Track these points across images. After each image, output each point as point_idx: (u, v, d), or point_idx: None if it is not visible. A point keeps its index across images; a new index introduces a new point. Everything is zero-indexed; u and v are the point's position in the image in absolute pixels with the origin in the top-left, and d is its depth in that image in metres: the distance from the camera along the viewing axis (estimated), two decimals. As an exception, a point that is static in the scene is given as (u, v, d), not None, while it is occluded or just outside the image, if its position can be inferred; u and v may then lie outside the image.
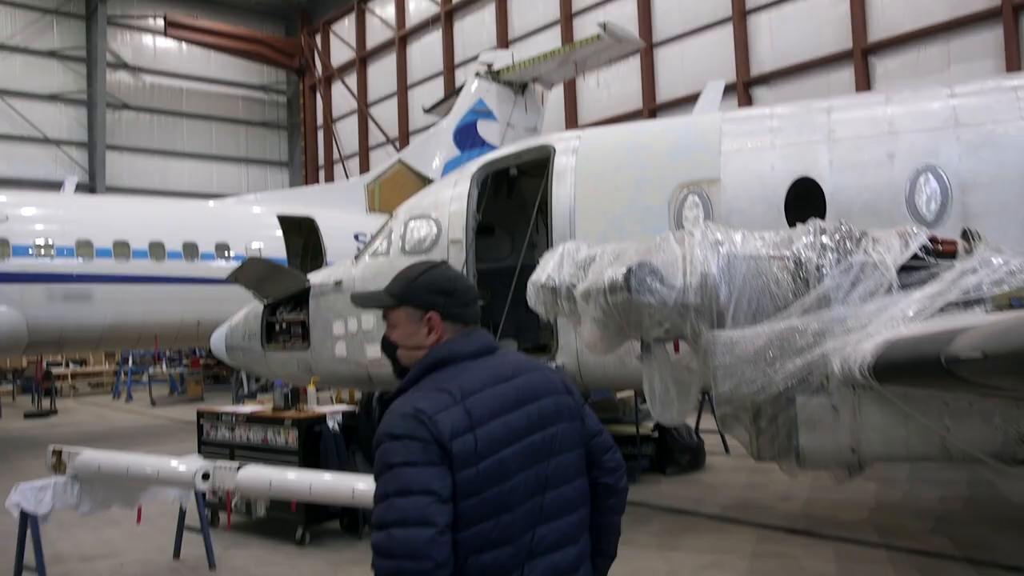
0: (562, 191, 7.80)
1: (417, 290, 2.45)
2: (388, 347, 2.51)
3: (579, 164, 7.83)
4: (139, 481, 5.85)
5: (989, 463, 3.75)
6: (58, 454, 6.38)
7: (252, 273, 9.31)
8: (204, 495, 6.47)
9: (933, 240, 4.31)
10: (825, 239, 4.36)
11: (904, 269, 4.20)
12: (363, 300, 2.65)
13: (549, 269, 5.14)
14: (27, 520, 6.08)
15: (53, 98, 35.36)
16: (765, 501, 9.02)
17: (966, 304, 3.85)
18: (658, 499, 9.30)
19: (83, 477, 6.10)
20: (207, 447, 8.44)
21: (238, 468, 5.21)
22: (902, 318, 3.84)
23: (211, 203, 20.95)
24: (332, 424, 7.67)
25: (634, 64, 25.09)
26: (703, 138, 7.43)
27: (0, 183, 28.69)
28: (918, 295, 3.95)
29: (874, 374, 3.60)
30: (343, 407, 8.52)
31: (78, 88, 35.98)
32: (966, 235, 4.41)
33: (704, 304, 4.42)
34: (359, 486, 4.62)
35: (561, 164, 7.92)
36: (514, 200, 9.85)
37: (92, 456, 6.04)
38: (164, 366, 26.99)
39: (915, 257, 4.25)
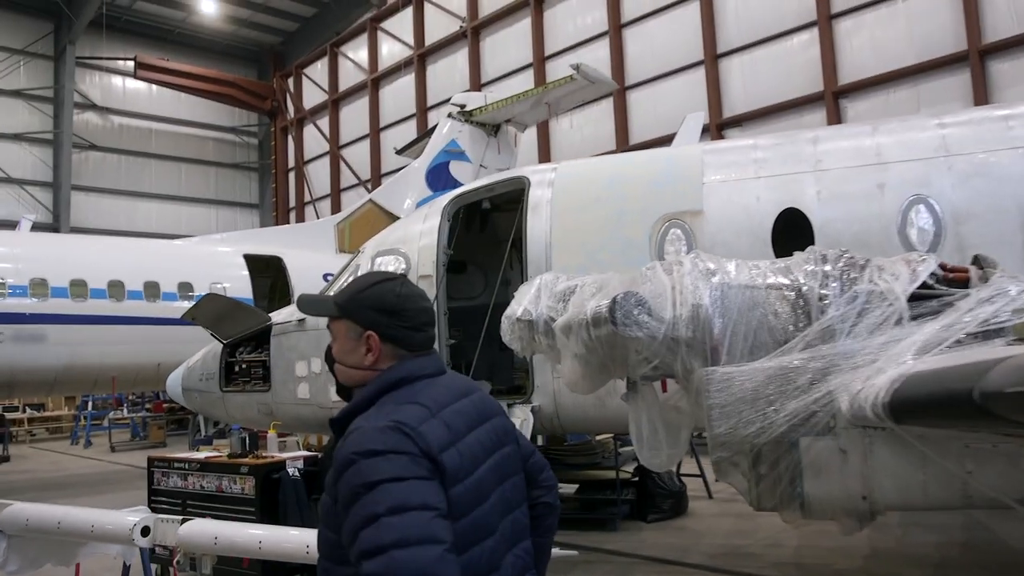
0: (537, 224, 7.45)
1: (360, 304, 2.27)
2: (328, 358, 2.41)
3: (555, 196, 7.51)
4: (73, 536, 5.28)
5: (1018, 509, 3.37)
6: (-15, 507, 5.78)
7: (210, 311, 8.81)
8: (152, 550, 5.88)
9: (943, 267, 3.99)
10: (827, 267, 4.02)
11: (913, 298, 3.86)
12: (309, 305, 2.50)
13: (525, 302, 4.74)
14: (-54, 582, 5.47)
15: (17, 137, 34.71)
16: (753, 548, 8.58)
17: (984, 335, 3.50)
18: (640, 548, 8.82)
19: (10, 532, 5.52)
20: (157, 497, 7.85)
21: (181, 522, 4.70)
22: (916, 351, 3.48)
23: (175, 242, 20.38)
24: (292, 471, 7.14)
25: (607, 106, 25.13)
26: (685, 169, 7.15)
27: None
28: (932, 326, 3.60)
29: (890, 413, 3.22)
30: (304, 453, 7.99)
31: (44, 128, 35.39)
32: (977, 261, 4.10)
33: (696, 338, 4.05)
34: (315, 542, 4.13)
35: (536, 196, 7.59)
36: (487, 235, 9.50)
37: (19, 509, 5.46)
38: (126, 410, 26.02)
39: (924, 286, 3.92)
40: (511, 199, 8.40)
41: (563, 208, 7.40)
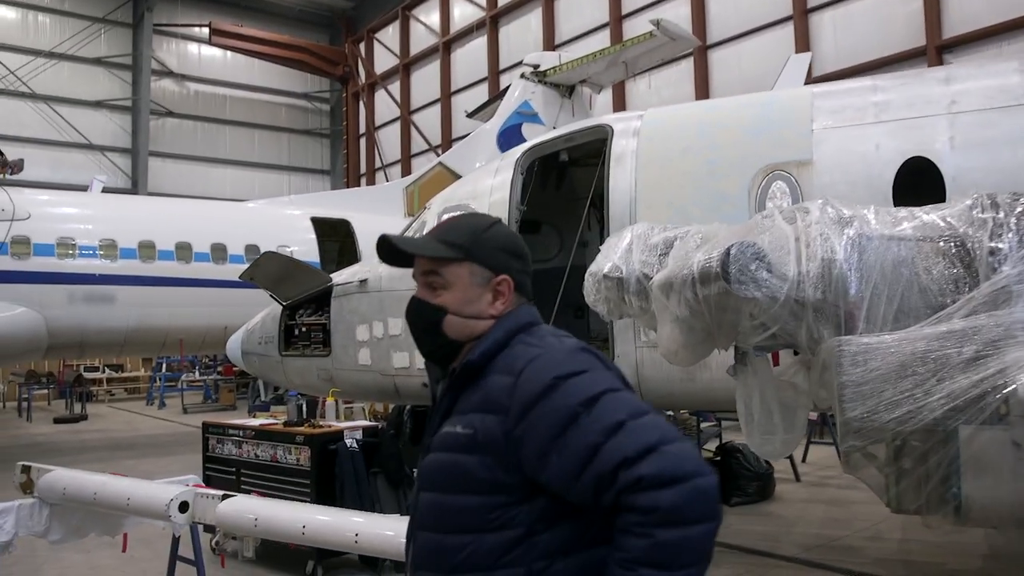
0: (621, 177, 6.69)
1: (487, 244, 1.99)
2: (425, 313, 1.98)
3: (641, 146, 6.72)
4: (109, 509, 4.87)
5: None
6: (27, 471, 5.43)
7: (269, 270, 8.36)
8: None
9: None
10: (999, 214, 3.20)
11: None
12: (411, 245, 2.04)
13: (614, 256, 4.02)
14: (-13, 549, 5.14)
15: (98, 104, 35.40)
16: (851, 541, 7.76)
17: None
18: (724, 535, 8.06)
19: (49, 501, 5.14)
20: (211, 465, 7.49)
21: (222, 497, 4.20)
22: None
23: (244, 204, 20.25)
24: (350, 442, 6.63)
25: (687, 66, 23.92)
26: (791, 114, 6.28)
27: (47, 188, 28.59)
28: None
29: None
30: (364, 423, 7.49)
31: (123, 95, 35.99)
32: None
33: (827, 300, 3.29)
34: (365, 528, 3.57)
35: (620, 147, 6.82)
36: (564, 192, 8.76)
37: (57, 477, 5.07)
38: (197, 373, 26.39)
39: None
40: (591, 152, 7.66)
41: (650, 159, 6.62)
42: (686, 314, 3.39)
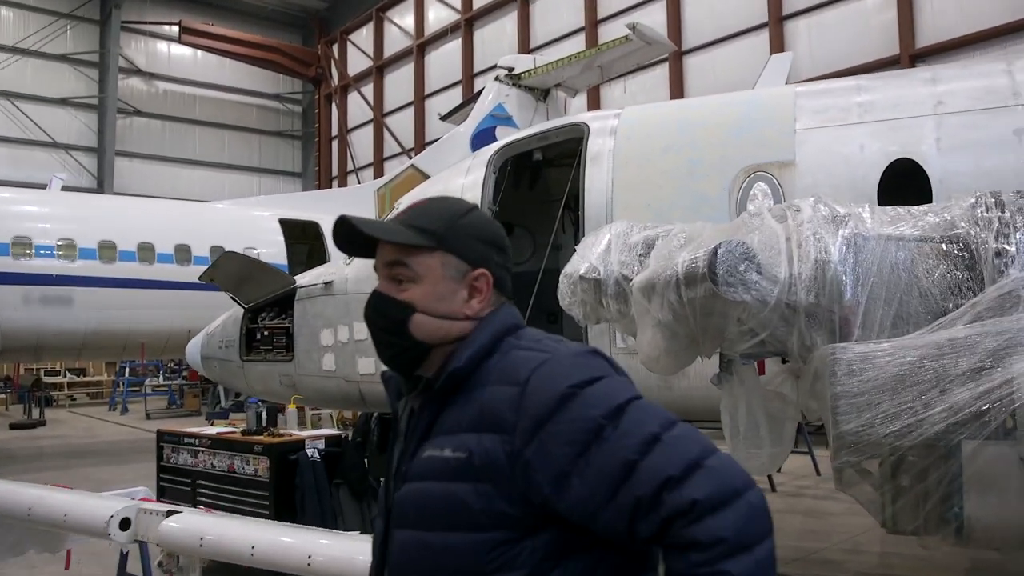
0: (597, 177, 6.45)
1: (464, 232, 1.71)
2: (388, 311, 1.69)
3: (618, 146, 6.49)
4: (44, 525, 4.52)
5: None
6: (-39, 485, 5.04)
7: (229, 271, 8.01)
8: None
9: None
10: (1004, 213, 2.99)
11: None
12: (371, 228, 1.72)
13: (592, 257, 3.76)
14: (-88, 569, 4.75)
15: (63, 102, 34.63)
16: (830, 554, 7.58)
17: None
18: (699, 549, 7.86)
19: (-17, 516, 4.78)
20: (166, 475, 7.12)
21: (167, 514, 3.88)
22: None
23: (209, 204, 19.78)
24: (312, 451, 6.31)
25: (662, 72, 23.86)
26: (774, 113, 6.08)
27: (7, 186, 27.85)
28: None
29: None
30: (326, 431, 7.17)
31: (89, 93, 35.27)
32: None
33: (820, 305, 3.06)
34: (320, 549, 3.28)
35: (596, 146, 6.58)
36: (537, 193, 8.51)
37: (-9, 490, 4.71)
38: (161, 377, 25.81)
39: None
40: (566, 152, 7.43)
41: (627, 159, 6.39)
42: (669, 318, 3.14)
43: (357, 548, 3.21)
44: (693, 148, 6.22)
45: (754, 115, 6.21)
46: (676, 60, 23.26)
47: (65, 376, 28.46)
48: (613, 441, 1.46)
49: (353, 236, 1.73)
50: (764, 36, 21.71)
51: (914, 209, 3.28)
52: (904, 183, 5.44)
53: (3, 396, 25.63)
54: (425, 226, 1.70)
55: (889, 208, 3.33)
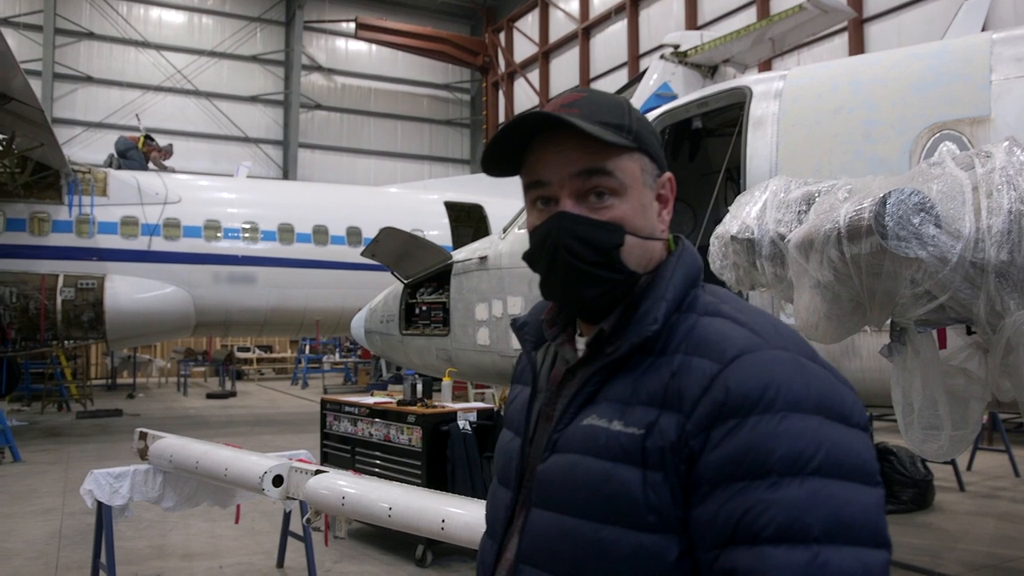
0: (760, 144, 6.03)
1: (648, 127, 1.39)
2: (595, 237, 1.32)
3: (784, 109, 6.03)
4: (207, 478, 4.79)
5: None
6: (144, 438, 5.47)
7: (389, 247, 8.22)
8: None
9: None
10: None
11: None
12: (571, 119, 1.29)
13: (744, 215, 3.46)
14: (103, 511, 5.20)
15: (253, 99, 37.31)
16: (1027, 564, 6.77)
17: None
18: (876, 548, 7.25)
19: (159, 467, 5.14)
20: (328, 441, 7.43)
21: (314, 472, 3.98)
22: None
23: (379, 189, 20.63)
24: (463, 424, 6.35)
25: (840, 42, 22.32)
26: (964, 65, 5.42)
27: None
28: None
29: None
30: (478, 404, 7.21)
31: (276, 90, 37.78)
32: None
33: (1015, 264, 2.63)
34: (453, 515, 3.23)
35: (760, 111, 6.15)
36: (697, 164, 8.12)
37: (166, 444, 5.06)
38: (339, 355, 27.35)
39: None
40: (728, 121, 7.04)
41: (794, 123, 5.93)
42: (830, 278, 2.80)
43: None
44: (869, 108, 5.67)
45: (941, 68, 5.56)
46: (856, 28, 21.68)
47: (254, 352, 30.77)
48: (803, 501, 1.09)
49: (534, 126, 1.34)
50: (958, -3, 19.75)
51: None
52: None
53: (202, 369, 28.02)
54: (615, 121, 1.33)
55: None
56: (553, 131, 1.34)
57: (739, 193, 6.42)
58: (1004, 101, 5.13)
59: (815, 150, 5.79)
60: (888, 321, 3.09)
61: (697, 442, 1.18)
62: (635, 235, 1.34)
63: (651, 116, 7.05)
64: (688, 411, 1.20)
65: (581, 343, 1.42)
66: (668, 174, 1.41)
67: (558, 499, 1.29)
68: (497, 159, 1.42)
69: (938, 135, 5.25)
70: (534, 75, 36.40)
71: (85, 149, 30.25)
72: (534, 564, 1.31)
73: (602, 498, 1.23)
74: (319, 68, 39.10)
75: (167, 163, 17.96)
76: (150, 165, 17.40)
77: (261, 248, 15.27)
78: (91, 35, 33.69)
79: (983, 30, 13.03)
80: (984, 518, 8.46)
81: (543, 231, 1.36)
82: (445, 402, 7.05)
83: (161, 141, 19.08)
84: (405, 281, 8.30)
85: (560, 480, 1.30)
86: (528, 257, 1.41)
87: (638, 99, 19.87)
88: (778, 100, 6.13)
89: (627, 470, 1.22)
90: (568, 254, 1.32)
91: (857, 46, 22.04)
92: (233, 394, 22.51)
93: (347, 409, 7.27)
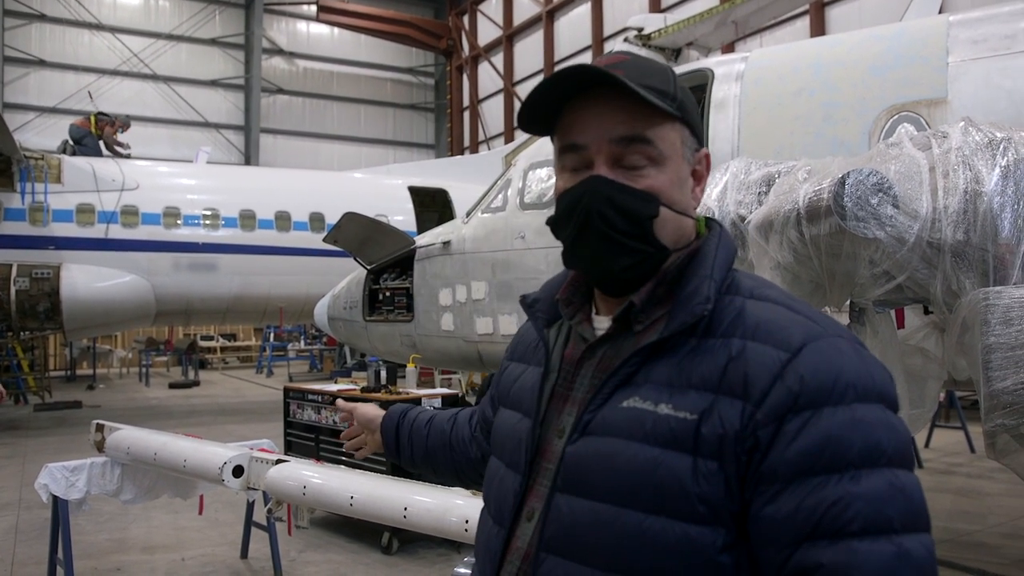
0: (722, 126, 6.05)
1: (690, 98, 1.34)
2: (629, 205, 1.25)
3: (745, 91, 6.06)
4: (167, 469, 4.70)
5: None
6: (101, 430, 5.35)
7: (352, 233, 8.12)
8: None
9: None
10: None
11: None
12: (621, 77, 1.23)
13: (706, 197, 3.46)
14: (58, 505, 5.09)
15: (213, 84, 36.63)
16: (984, 538, 6.92)
17: None
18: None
19: (116, 459, 5.03)
20: (292, 430, 7.35)
21: (275, 462, 3.92)
22: None
23: (342, 174, 20.42)
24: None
25: (803, 25, 22.50)
26: (921, 46, 5.48)
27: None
28: None
29: None
30: (442, 391, 7.17)
31: (236, 74, 37.14)
32: None
33: (970, 243, 2.65)
34: (415, 503, 3.20)
35: (721, 93, 6.17)
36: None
37: (123, 436, 4.96)
38: (303, 343, 27.11)
39: None
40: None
41: (755, 105, 5.95)
42: (790, 260, 2.80)
43: (451, 502, 3.10)
44: (829, 90, 5.71)
45: (899, 50, 5.61)
46: (817, 12, 21.86)
47: (218, 341, 30.37)
48: (868, 490, 1.09)
49: (575, 82, 1.27)
50: (918, -20, 19.98)
51: (1091, 130, 2.78)
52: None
53: (165, 359, 27.61)
54: (660, 86, 1.26)
55: (1059, 131, 2.84)
56: (593, 91, 1.28)
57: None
58: (960, 83, 5.19)
59: (776, 132, 5.82)
60: (848, 302, 3.11)
61: (766, 432, 1.13)
62: (670, 208, 1.27)
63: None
64: (757, 399, 1.15)
65: (599, 322, 1.37)
66: (705, 150, 1.36)
67: (594, 486, 1.21)
68: (532, 117, 1.34)
69: (896, 116, 5.30)
70: (498, 59, 36.19)
71: (39, 135, 29.47)
72: (561, 554, 1.23)
73: (650, 487, 1.16)
74: (280, 52, 38.48)
75: (123, 137, 17.46)
76: (104, 150, 16.96)
77: (222, 235, 15.02)
78: (43, 17, 32.77)
79: (940, 12, 13.20)
80: (942, 494, 8.63)
81: (575, 195, 1.29)
82: (410, 388, 6.99)
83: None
84: (368, 267, 8.21)
85: (597, 466, 1.22)
86: (554, 221, 1.33)
87: (602, 82, 19.95)
88: (739, 82, 6.15)
89: (677, 457, 1.16)
90: (601, 220, 1.25)
91: (818, 29, 22.23)
92: (196, 383, 22.21)
93: (310, 397, 7.18)
